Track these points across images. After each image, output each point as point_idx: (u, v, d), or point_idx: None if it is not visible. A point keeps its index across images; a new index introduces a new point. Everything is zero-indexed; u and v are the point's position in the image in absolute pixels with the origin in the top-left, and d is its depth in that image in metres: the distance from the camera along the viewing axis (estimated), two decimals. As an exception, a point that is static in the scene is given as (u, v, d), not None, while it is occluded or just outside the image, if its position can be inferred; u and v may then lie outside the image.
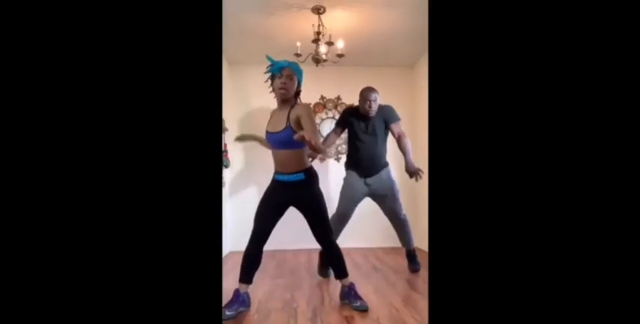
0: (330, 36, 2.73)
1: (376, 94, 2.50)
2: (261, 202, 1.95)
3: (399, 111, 3.94)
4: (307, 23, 2.84)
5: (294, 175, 1.86)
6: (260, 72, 3.89)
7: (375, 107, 2.51)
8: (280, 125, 1.82)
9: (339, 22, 2.88)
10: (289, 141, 1.78)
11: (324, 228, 1.93)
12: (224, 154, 3.39)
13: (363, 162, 2.54)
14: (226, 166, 3.48)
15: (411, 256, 2.72)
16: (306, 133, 1.57)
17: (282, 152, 1.85)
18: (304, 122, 1.75)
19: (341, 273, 1.98)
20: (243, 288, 1.87)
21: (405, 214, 2.63)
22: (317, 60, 2.73)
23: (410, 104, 4.02)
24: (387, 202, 2.57)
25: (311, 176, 1.89)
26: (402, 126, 2.63)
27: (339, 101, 3.95)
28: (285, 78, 1.80)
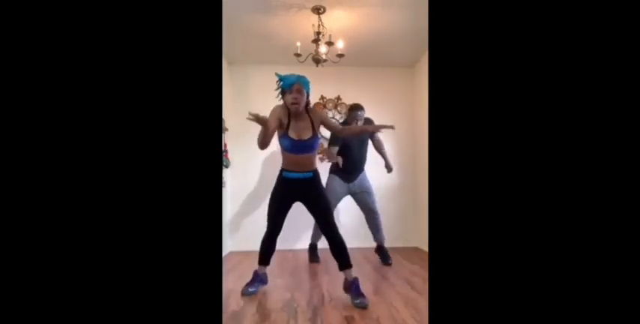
0: (330, 36, 2.73)
1: (362, 112, 2.90)
2: (272, 202, 2.15)
3: (399, 111, 3.99)
4: (307, 23, 2.84)
5: (305, 173, 2.11)
6: (260, 72, 3.92)
7: (360, 124, 2.92)
8: (307, 134, 2.05)
9: (339, 22, 2.88)
10: (315, 146, 2.09)
11: (329, 220, 2.10)
12: (224, 154, 3.39)
13: (350, 168, 2.93)
14: (226, 166, 3.48)
15: (382, 250, 3.02)
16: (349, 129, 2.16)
17: (304, 156, 2.07)
18: (330, 123, 2.14)
19: (344, 264, 2.08)
20: (261, 269, 2.23)
21: (377, 207, 3.02)
22: (317, 60, 2.73)
23: (410, 104, 4.02)
24: (364, 196, 3.00)
25: (317, 175, 2.16)
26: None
27: (339, 101, 3.95)
28: (295, 93, 1.96)
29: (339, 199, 3.00)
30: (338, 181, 2.96)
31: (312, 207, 2.13)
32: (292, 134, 2.04)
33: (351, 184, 2.98)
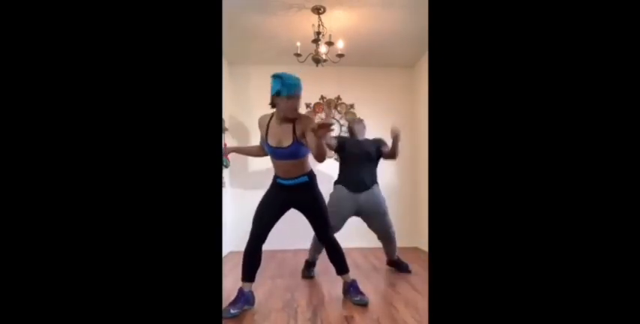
0: (330, 36, 2.73)
1: (360, 125, 2.81)
2: (261, 203, 1.99)
3: (399, 111, 4.00)
4: (307, 23, 2.85)
5: (298, 178, 1.94)
6: (260, 72, 3.93)
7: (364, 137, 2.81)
8: (287, 141, 1.84)
9: (339, 22, 2.88)
10: (297, 153, 1.86)
11: (325, 226, 2.00)
12: (224, 154, 3.39)
13: (354, 178, 2.63)
14: (226, 166, 3.48)
15: (396, 263, 2.78)
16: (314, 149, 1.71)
17: (289, 162, 1.89)
18: (307, 135, 1.76)
19: (342, 269, 2.07)
20: (246, 286, 1.92)
21: (393, 231, 2.69)
22: (317, 60, 2.73)
23: (410, 104, 4.02)
24: (377, 218, 2.64)
25: (313, 178, 1.98)
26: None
27: (339, 101, 3.95)
28: (297, 99, 1.79)
29: (344, 216, 2.58)
30: (344, 193, 2.60)
31: (306, 212, 1.99)
32: (271, 141, 1.87)
33: (357, 195, 2.59)
